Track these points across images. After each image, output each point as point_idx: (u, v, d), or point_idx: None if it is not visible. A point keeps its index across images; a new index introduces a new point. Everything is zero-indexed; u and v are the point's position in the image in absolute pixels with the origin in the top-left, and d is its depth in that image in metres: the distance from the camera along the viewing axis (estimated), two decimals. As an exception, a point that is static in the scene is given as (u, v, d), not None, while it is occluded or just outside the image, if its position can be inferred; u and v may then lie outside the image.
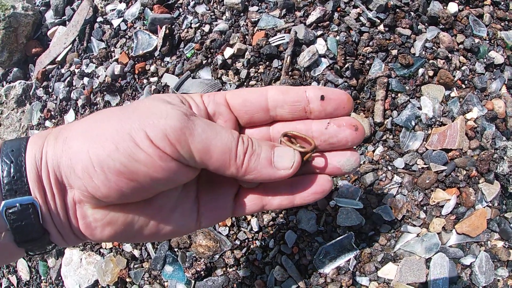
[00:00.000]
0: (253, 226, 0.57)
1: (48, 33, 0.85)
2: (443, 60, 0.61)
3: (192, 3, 0.71)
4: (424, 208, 0.55)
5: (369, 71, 0.60)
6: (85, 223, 0.32)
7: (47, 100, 0.81)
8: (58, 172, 0.30)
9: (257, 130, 0.38)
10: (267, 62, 0.62)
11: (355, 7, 0.63)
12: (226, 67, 0.63)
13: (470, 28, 0.64)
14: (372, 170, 0.56)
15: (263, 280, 0.55)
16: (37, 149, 0.30)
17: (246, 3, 0.67)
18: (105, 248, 0.66)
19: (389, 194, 0.55)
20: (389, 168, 0.56)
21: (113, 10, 0.79)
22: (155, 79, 0.68)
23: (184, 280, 0.58)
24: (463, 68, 0.61)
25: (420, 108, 0.58)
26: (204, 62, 0.65)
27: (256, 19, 0.65)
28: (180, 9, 0.72)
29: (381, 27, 0.62)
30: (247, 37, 0.64)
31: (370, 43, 0.61)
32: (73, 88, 0.77)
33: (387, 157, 0.57)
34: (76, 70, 0.78)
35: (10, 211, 0.28)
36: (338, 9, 0.63)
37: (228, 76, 0.63)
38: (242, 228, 0.57)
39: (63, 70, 0.80)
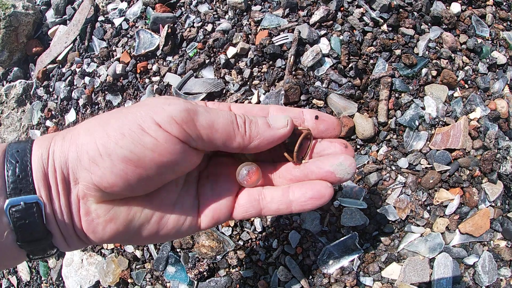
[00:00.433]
0: (257, 227, 0.56)
1: (49, 32, 0.85)
2: (446, 60, 0.61)
3: (194, 2, 0.70)
4: (428, 208, 0.55)
5: (372, 71, 0.60)
6: (88, 221, 0.32)
7: (47, 99, 0.80)
8: (65, 169, 0.30)
9: None
10: (271, 62, 0.61)
11: (358, 6, 0.63)
12: (229, 67, 0.63)
13: (473, 28, 0.64)
14: (376, 170, 0.56)
15: (267, 280, 0.55)
16: (44, 149, 0.31)
17: (249, 2, 0.67)
18: (107, 249, 0.66)
19: (393, 194, 0.55)
20: (393, 168, 0.56)
21: (114, 9, 0.78)
22: (157, 78, 0.68)
23: (187, 281, 0.58)
24: (466, 68, 0.61)
25: (423, 108, 0.58)
26: (207, 61, 0.64)
27: (259, 19, 0.64)
28: (183, 8, 0.71)
29: (384, 27, 0.62)
30: (250, 36, 0.64)
31: (374, 43, 0.61)
32: (74, 87, 0.77)
33: (391, 157, 0.56)
34: (77, 70, 0.77)
35: (14, 209, 0.29)
36: (342, 8, 0.63)
37: (231, 75, 0.63)
38: (245, 229, 0.57)
39: (64, 70, 0.79)
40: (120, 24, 0.76)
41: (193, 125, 0.31)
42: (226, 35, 0.65)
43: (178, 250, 0.60)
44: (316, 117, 0.39)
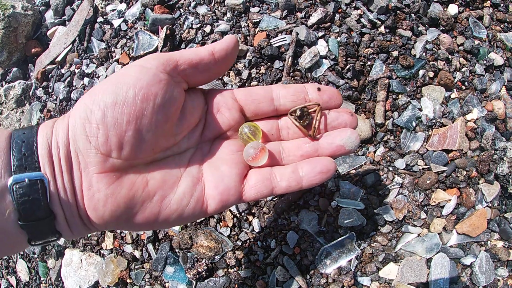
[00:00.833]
0: (255, 227, 0.57)
1: (48, 33, 0.85)
2: (444, 62, 0.61)
3: (193, 4, 0.71)
4: (425, 208, 0.55)
5: (370, 72, 0.61)
6: (89, 196, 0.32)
7: (47, 100, 0.81)
8: (66, 143, 0.32)
9: (266, 122, 0.41)
10: (269, 63, 0.62)
11: (356, 8, 0.64)
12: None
13: (470, 30, 0.65)
14: (373, 170, 0.56)
15: (265, 280, 0.55)
16: (48, 130, 0.32)
17: (248, 4, 0.67)
18: (106, 249, 0.66)
19: (390, 194, 0.55)
20: (390, 168, 0.56)
21: (113, 10, 0.79)
22: (156, 79, 0.68)
23: (185, 281, 0.58)
24: (463, 70, 0.62)
25: (420, 109, 0.59)
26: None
27: (258, 20, 0.65)
28: (181, 9, 0.72)
29: (382, 29, 0.63)
30: (248, 38, 0.64)
31: (371, 45, 0.61)
32: (73, 88, 0.77)
33: (388, 157, 0.57)
34: (76, 70, 0.78)
35: (18, 185, 0.29)
36: (339, 10, 0.63)
37: (229, 76, 0.63)
38: (243, 229, 0.57)
39: (63, 70, 0.80)
40: (119, 25, 0.76)
41: (173, 59, 0.35)
42: (224, 37, 0.65)
43: (176, 250, 0.60)
44: (319, 89, 0.41)
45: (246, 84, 0.62)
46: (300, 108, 0.39)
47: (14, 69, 0.86)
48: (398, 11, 0.64)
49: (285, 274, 0.54)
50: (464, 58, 0.63)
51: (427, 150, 0.57)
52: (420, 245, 0.53)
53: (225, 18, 0.68)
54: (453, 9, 0.66)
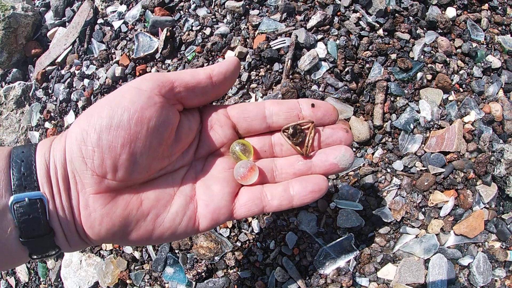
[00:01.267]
0: (254, 228, 0.57)
1: (48, 34, 0.85)
2: (441, 64, 0.62)
3: (193, 6, 0.71)
4: (423, 209, 0.55)
5: (368, 75, 0.61)
6: (86, 215, 0.33)
7: (46, 101, 0.81)
8: (63, 163, 0.32)
9: (259, 138, 0.41)
10: (268, 66, 0.62)
11: (355, 11, 0.64)
12: (227, 70, 0.64)
13: (468, 33, 0.65)
14: (371, 172, 0.57)
15: (264, 281, 0.55)
16: (46, 149, 0.33)
17: (247, 6, 0.68)
18: (105, 250, 0.67)
19: (388, 196, 0.56)
20: (388, 170, 0.57)
21: (113, 12, 0.79)
22: (156, 81, 0.68)
23: (185, 282, 0.58)
24: (461, 72, 0.62)
25: (418, 112, 0.59)
26: (205, 64, 0.65)
27: (257, 23, 0.65)
28: (181, 11, 0.72)
29: (380, 32, 0.63)
30: (248, 40, 0.65)
31: (370, 47, 0.62)
32: (73, 89, 0.77)
33: (386, 159, 0.57)
34: (76, 72, 0.78)
35: (18, 205, 0.30)
36: (338, 13, 0.64)
37: (229, 78, 0.63)
38: (243, 230, 0.58)
39: (63, 71, 0.80)
40: (119, 27, 0.76)
41: (169, 82, 0.35)
42: (224, 39, 0.66)
43: (176, 251, 0.60)
44: (313, 105, 0.40)
45: (246, 87, 0.62)
46: (292, 126, 0.38)
47: (14, 70, 0.87)
48: (396, 14, 0.64)
49: (284, 275, 0.54)
50: (462, 60, 0.64)
51: (425, 152, 0.57)
52: (418, 246, 0.53)
53: (225, 20, 0.68)
54: (451, 12, 0.66)
